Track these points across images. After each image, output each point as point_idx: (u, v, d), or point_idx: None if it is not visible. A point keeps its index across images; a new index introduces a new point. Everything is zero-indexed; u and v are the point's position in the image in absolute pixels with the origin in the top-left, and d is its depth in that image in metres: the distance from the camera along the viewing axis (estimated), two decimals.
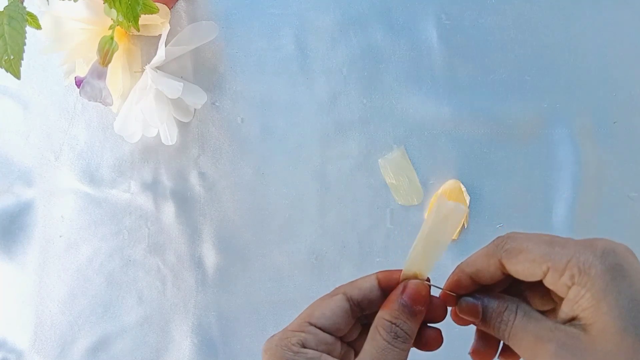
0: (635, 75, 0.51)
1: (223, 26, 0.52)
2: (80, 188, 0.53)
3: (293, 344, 0.25)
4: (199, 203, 0.52)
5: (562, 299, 0.23)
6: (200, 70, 0.53)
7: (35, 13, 0.39)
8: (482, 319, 0.25)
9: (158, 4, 0.46)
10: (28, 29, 0.37)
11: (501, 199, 0.51)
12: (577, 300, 0.22)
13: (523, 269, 0.24)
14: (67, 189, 0.53)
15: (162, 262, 0.52)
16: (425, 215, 0.51)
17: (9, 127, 0.54)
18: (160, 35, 0.47)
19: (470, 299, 0.26)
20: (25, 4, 0.38)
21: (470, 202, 0.50)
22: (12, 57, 0.35)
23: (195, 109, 0.52)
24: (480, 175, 0.51)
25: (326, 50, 0.52)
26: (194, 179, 0.52)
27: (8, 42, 0.35)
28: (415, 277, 0.26)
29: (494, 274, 0.25)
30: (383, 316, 0.25)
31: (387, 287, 0.27)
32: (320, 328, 0.26)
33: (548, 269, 0.23)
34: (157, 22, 0.49)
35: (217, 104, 0.52)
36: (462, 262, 0.27)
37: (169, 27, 0.48)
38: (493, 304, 0.25)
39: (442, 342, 0.28)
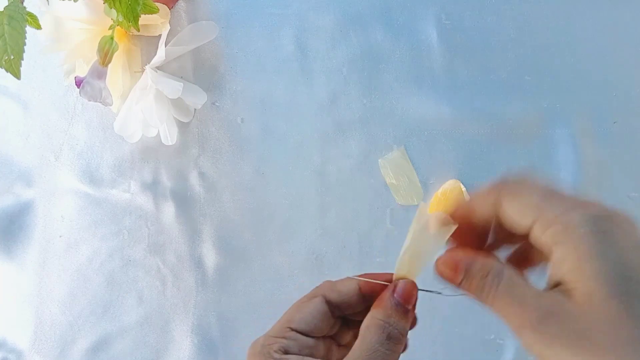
0: (635, 75, 0.51)
1: (223, 26, 0.52)
2: (80, 188, 0.53)
3: (275, 351, 0.24)
4: (199, 203, 0.52)
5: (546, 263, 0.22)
6: (200, 70, 0.53)
7: (35, 13, 0.39)
8: (463, 278, 0.23)
9: (158, 4, 0.46)
10: (28, 29, 0.37)
11: None
12: (561, 261, 0.21)
13: (513, 213, 0.22)
14: (67, 189, 0.53)
15: (162, 262, 0.52)
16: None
17: (9, 127, 0.54)
18: (160, 35, 0.47)
19: (453, 254, 0.24)
20: (25, 4, 0.38)
21: None
22: (12, 57, 0.36)
23: (195, 109, 0.52)
24: (480, 175, 0.51)
25: (326, 50, 0.52)
26: (194, 179, 0.52)
27: (8, 42, 0.35)
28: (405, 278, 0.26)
29: (487, 212, 0.24)
30: (376, 315, 0.25)
31: (368, 291, 0.27)
32: (301, 332, 0.25)
33: (535, 221, 0.21)
34: (157, 22, 0.49)
35: (217, 104, 0.52)
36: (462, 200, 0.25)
37: (169, 27, 0.48)
38: (478, 264, 0.23)
39: (415, 322, 0.27)
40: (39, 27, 0.40)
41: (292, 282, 0.51)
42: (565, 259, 0.20)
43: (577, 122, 0.51)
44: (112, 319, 0.51)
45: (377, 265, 0.51)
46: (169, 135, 0.50)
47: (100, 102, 0.46)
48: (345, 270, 0.51)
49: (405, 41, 0.52)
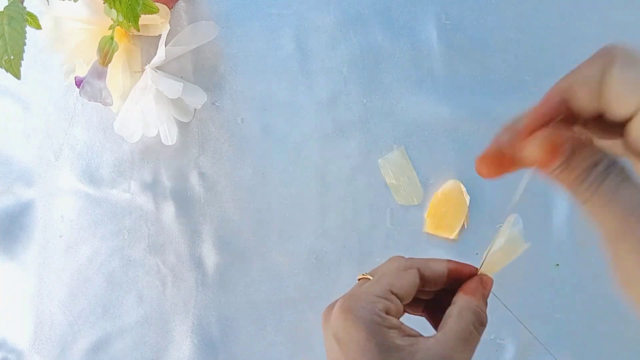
0: None
1: (223, 26, 0.52)
2: (80, 188, 0.53)
3: (380, 310, 0.25)
4: (199, 203, 0.52)
5: None
6: (200, 70, 0.53)
7: (35, 13, 0.39)
8: (563, 164, 0.19)
9: (158, 4, 0.46)
10: (28, 29, 0.37)
11: (501, 199, 0.51)
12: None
13: (621, 89, 0.18)
14: (67, 189, 0.53)
15: (162, 262, 0.52)
16: (425, 215, 0.51)
17: (9, 127, 0.54)
18: (160, 35, 0.47)
19: (556, 132, 0.19)
20: (25, 4, 0.38)
21: (470, 202, 0.50)
22: (12, 57, 0.36)
23: (195, 109, 0.52)
24: (480, 176, 0.51)
25: (326, 50, 0.52)
26: (194, 179, 0.52)
27: (8, 42, 0.35)
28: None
29: (591, 92, 0.19)
30: (472, 302, 0.26)
31: (454, 277, 0.28)
32: (399, 298, 0.26)
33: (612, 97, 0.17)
34: (157, 22, 0.49)
35: (217, 104, 0.52)
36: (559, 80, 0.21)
37: (169, 27, 0.48)
38: (582, 152, 0.19)
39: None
40: (39, 27, 0.40)
41: (292, 282, 0.51)
42: None
43: None
44: (112, 319, 0.51)
45: (377, 266, 0.51)
46: (169, 135, 0.50)
47: (100, 102, 0.46)
48: (345, 270, 0.51)
49: (405, 41, 0.52)
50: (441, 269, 0.28)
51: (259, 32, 0.52)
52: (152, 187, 0.52)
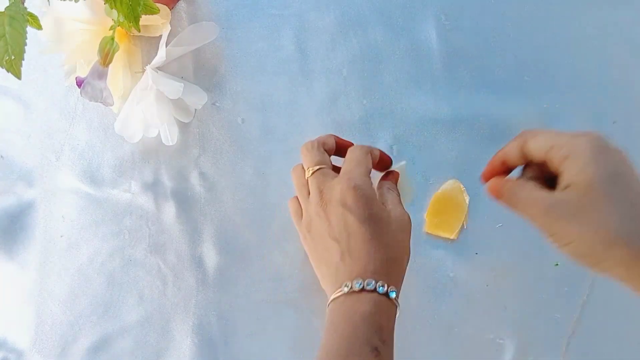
0: (634, 75, 0.51)
1: (223, 27, 0.53)
2: (81, 188, 0.53)
3: (370, 186, 0.41)
4: (200, 203, 0.52)
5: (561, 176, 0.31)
6: (200, 71, 0.53)
7: (36, 14, 0.39)
8: (500, 194, 0.34)
9: (159, 5, 0.46)
10: (29, 29, 0.37)
11: None
12: (569, 169, 0.30)
13: (537, 146, 0.32)
14: (68, 189, 0.53)
15: (163, 262, 0.52)
16: (425, 215, 0.51)
17: (10, 127, 0.54)
18: (160, 35, 0.47)
19: (495, 181, 0.35)
20: (26, 4, 0.38)
21: (470, 202, 0.50)
22: (13, 57, 0.36)
23: (195, 109, 0.52)
24: (480, 176, 0.51)
25: (326, 50, 0.52)
26: (194, 179, 0.52)
27: (9, 43, 0.35)
28: None
29: (517, 155, 0.34)
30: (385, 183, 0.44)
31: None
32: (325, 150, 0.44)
33: (553, 146, 0.31)
34: (157, 22, 0.49)
35: (217, 104, 0.53)
36: (499, 151, 0.36)
37: (169, 28, 0.48)
38: (507, 184, 0.34)
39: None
40: (39, 27, 0.40)
41: (292, 282, 0.51)
42: (573, 166, 0.30)
43: (577, 122, 0.51)
44: (113, 318, 0.51)
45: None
46: (170, 136, 0.50)
47: (101, 103, 0.46)
48: None
49: (405, 41, 0.52)
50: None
51: (259, 32, 0.53)
52: (152, 187, 0.52)
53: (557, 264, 0.50)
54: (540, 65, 0.52)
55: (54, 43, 0.48)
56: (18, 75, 0.36)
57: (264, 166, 0.52)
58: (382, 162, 0.44)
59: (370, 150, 0.41)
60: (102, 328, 0.51)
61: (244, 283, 0.51)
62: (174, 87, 0.47)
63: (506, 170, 0.36)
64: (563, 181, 0.31)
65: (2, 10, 0.36)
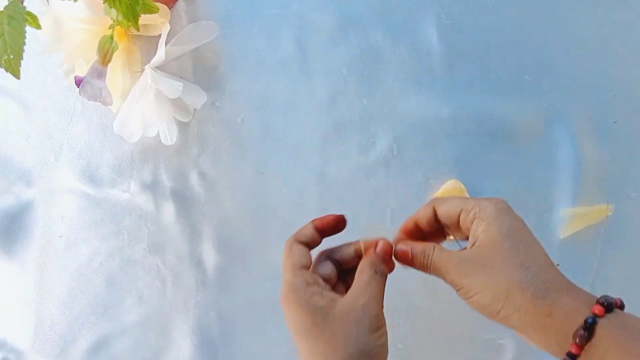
0: (635, 75, 0.51)
1: (223, 26, 0.52)
2: (80, 188, 0.53)
3: (306, 283, 0.35)
4: (199, 203, 0.52)
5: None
6: (200, 70, 0.53)
7: (35, 13, 0.39)
8: (411, 258, 0.35)
9: (158, 4, 0.46)
10: (28, 28, 0.37)
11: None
12: (476, 228, 0.33)
13: (446, 211, 0.35)
14: (67, 189, 0.53)
15: (162, 262, 0.52)
16: None
17: (9, 127, 0.54)
18: (160, 35, 0.47)
19: (402, 246, 0.36)
20: (25, 3, 0.38)
21: None
22: (12, 56, 0.36)
23: (195, 109, 0.52)
24: (480, 175, 0.51)
25: (326, 50, 0.52)
26: (193, 179, 0.52)
27: (8, 42, 0.35)
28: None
29: (429, 219, 0.36)
30: (367, 259, 0.35)
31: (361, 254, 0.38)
32: (304, 243, 0.37)
33: (461, 211, 0.34)
34: (157, 21, 0.49)
35: (217, 103, 0.52)
36: (409, 216, 0.38)
37: (168, 27, 0.48)
38: (418, 248, 0.35)
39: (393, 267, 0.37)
40: (39, 26, 0.40)
41: None
42: (479, 226, 0.33)
43: (577, 122, 0.51)
44: (112, 318, 0.51)
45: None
46: (169, 135, 0.50)
47: (100, 102, 0.46)
48: None
49: (405, 41, 0.52)
50: (350, 250, 0.38)
51: (259, 32, 0.52)
52: (152, 187, 0.52)
53: (557, 265, 0.50)
54: (540, 65, 0.52)
55: (53, 42, 0.48)
56: (17, 75, 0.36)
57: (263, 166, 0.52)
58: (328, 225, 0.39)
59: (294, 240, 0.37)
60: (102, 328, 0.51)
61: (243, 283, 0.51)
62: (173, 87, 0.47)
63: (417, 237, 0.38)
64: (471, 240, 0.34)
65: (1, 9, 0.36)
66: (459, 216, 0.35)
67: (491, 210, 0.33)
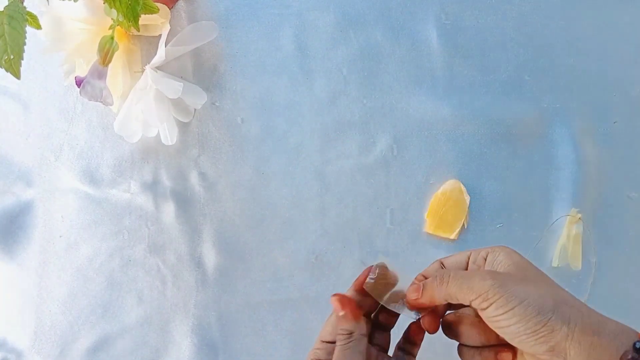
0: (635, 75, 0.51)
1: (223, 26, 0.52)
2: (80, 188, 0.53)
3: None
4: (199, 203, 0.52)
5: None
6: (200, 70, 0.53)
7: (35, 13, 0.39)
8: (424, 287, 0.33)
9: (158, 4, 0.46)
10: (28, 29, 0.37)
11: (501, 199, 0.51)
12: (494, 259, 0.32)
13: (454, 260, 0.35)
14: (67, 189, 0.53)
15: (162, 262, 0.52)
16: (425, 215, 0.51)
17: (9, 127, 0.54)
18: (160, 35, 0.47)
19: (412, 287, 0.34)
20: (25, 3, 0.38)
21: (470, 202, 0.50)
22: (12, 56, 0.36)
23: (195, 109, 0.52)
24: (480, 175, 0.51)
25: (326, 50, 0.52)
26: (194, 179, 0.52)
27: (8, 42, 0.35)
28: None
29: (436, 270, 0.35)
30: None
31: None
32: (327, 342, 0.34)
33: (469, 255, 0.34)
34: (157, 22, 0.49)
35: (217, 104, 0.52)
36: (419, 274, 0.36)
37: (169, 27, 0.48)
38: (428, 281, 0.33)
39: (433, 328, 0.34)
40: (39, 27, 0.40)
41: (292, 282, 0.51)
42: (498, 256, 0.32)
43: (577, 122, 0.51)
44: (112, 319, 0.51)
45: None
46: (169, 135, 0.50)
47: (101, 102, 0.46)
48: (345, 270, 0.51)
49: (405, 41, 0.52)
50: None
51: (259, 32, 0.52)
52: (152, 187, 0.52)
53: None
54: (540, 65, 0.52)
55: (53, 42, 0.48)
56: (17, 75, 0.36)
57: (263, 166, 0.52)
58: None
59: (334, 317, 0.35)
60: (102, 328, 0.51)
61: (243, 283, 0.51)
62: (173, 87, 0.47)
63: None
64: (490, 268, 0.33)
65: (1, 9, 0.36)
66: (467, 262, 0.34)
67: (503, 247, 0.33)
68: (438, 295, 0.32)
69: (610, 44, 0.52)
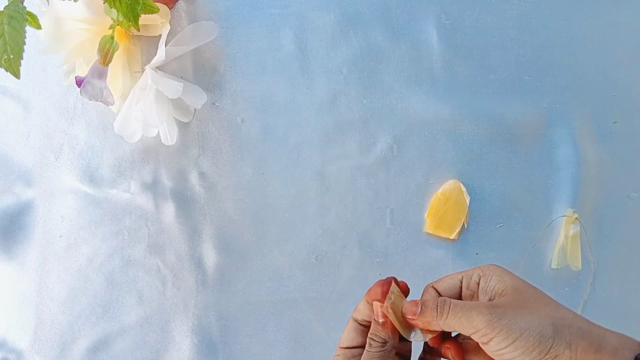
0: (635, 75, 0.51)
1: (223, 26, 0.52)
2: (80, 188, 0.53)
3: None
4: (199, 203, 0.52)
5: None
6: (200, 70, 0.53)
7: (35, 13, 0.39)
8: (421, 312, 0.32)
9: (158, 4, 0.46)
10: (28, 28, 0.37)
11: (501, 199, 0.51)
12: (487, 284, 0.32)
13: (447, 285, 0.34)
14: (67, 189, 0.53)
15: (162, 262, 0.52)
16: (425, 215, 0.51)
17: (9, 127, 0.54)
18: (160, 35, 0.47)
19: (410, 304, 0.33)
20: (25, 3, 0.38)
21: (470, 202, 0.50)
22: (12, 56, 0.36)
23: (195, 109, 0.52)
24: (480, 175, 0.51)
25: (326, 50, 0.52)
26: (194, 179, 0.52)
27: (8, 42, 0.35)
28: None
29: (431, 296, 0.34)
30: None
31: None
32: (347, 347, 0.34)
33: (462, 278, 0.34)
34: (157, 22, 0.49)
35: (217, 104, 0.53)
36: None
37: (169, 27, 0.48)
38: (430, 300, 0.32)
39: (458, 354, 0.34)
40: (39, 26, 0.40)
41: (292, 282, 0.51)
42: (490, 281, 0.32)
43: (577, 122, 0.51)
44: (112, 319, 0.51)
45: (377, 266, 0.51)
46: (169, 135, 0.50)
47: (102, 102, 0.46)
48: (345, 270, 0.51)
49: (405, 41, 0.52)
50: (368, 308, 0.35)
51: (259, 32, 0.52)
52: (152, 187, 0.52)
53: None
54: (540, 65, 0.52)
55: (53, 42, 0.48)
56: (17, 75, 0.36)
57: (263, 166, 0.52)
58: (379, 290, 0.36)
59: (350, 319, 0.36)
60: (102, 328, 0.51)
61: (243, 283, 0.51)
62: (173, 87, 0.47)
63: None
64: (485, 297, 0.32)
65: (1, 9, 0.36)
66: (461, 286, 0.34)
67: (493, 268, 0.33)
68: (435, 325, 0.31)
69: (610, 44, 0.52)
